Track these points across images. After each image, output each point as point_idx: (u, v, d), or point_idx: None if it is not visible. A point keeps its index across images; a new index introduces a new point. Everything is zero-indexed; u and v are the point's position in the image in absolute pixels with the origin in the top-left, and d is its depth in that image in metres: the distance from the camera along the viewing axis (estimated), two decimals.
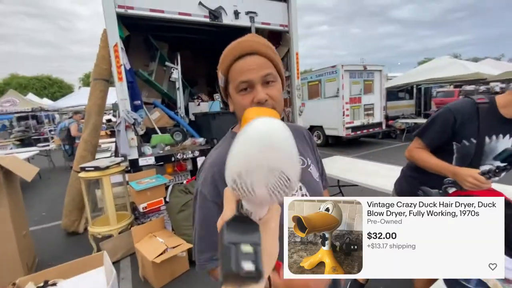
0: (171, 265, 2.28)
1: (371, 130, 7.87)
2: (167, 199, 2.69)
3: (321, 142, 8.28)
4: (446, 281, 0.94)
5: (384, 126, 8.18)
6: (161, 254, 2.22)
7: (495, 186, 1.19)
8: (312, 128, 8.46)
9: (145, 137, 3.11)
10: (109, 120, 13.23)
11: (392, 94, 9.15)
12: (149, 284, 2.32)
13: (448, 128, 1.25)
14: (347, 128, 7.33)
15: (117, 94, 2.55)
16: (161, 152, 2.87)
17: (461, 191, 1.19)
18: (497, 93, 8.75)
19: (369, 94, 7.77)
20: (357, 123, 7.56)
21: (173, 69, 3.32)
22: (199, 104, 3.68)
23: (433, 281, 1.02)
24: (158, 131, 3.18)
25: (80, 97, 11.16)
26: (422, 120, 8.56)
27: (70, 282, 1.64)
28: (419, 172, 1.38)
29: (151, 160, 2.69)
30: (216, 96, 3.91)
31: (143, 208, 2.55)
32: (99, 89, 3.09)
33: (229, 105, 0.76)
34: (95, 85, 3.11)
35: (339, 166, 3.07)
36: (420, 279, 1.50)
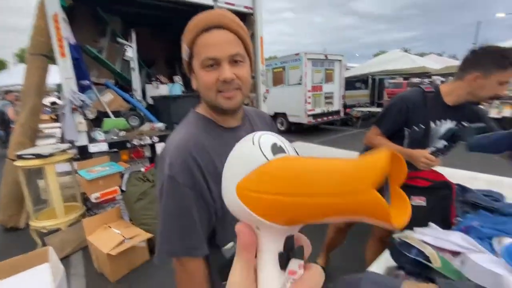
0: (129, 256, 2.17)
1: (330, 117, 8.28)
2: (123, 188, 2.52)
3: (285, 128, 8.47)
4: (392, 253, 1.04)
5: (342, 114, 8.67)
6: (118, 245, 2.10)
7: (436, 168, 1.34)
8: (276, 115, 8.59)
9: (97, 122, 2.83)
10: (53, 103, 11.78)
11: (350, 84, 9.66)
12: (105, 278, 2.18)
13: (400, 115, 1.36)
14: (309, 116, 7.59)
15: (60, 72, 2.24)
16: (115, 138, 2.64)
17: (411, 172, 1.31)
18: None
19: (329, 83, 8.09)
20: (318, 110, 7.87)
21: (127, 47, 3.03)
22: (157, 87, 3.44)
23: (381, 252, 1.12)
24: (111, 115, 2.92)
25: (15, 75, 9.69)
26: (375, 109, 9.26)
27: (9, 281, 1.46)
28: None
29: (103, 147, 2.47)
30: (177, 78, 3.69)
31: (95, 198, 2.35)
32: (35, 66, 2.68)
33: (192, 81, 0.71)
34: (32, 61, 2.69)
35: (301, 152, 3.17)
36: (370, 251, 1.65)
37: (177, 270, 0.65)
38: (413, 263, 0.95)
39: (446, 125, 1.35)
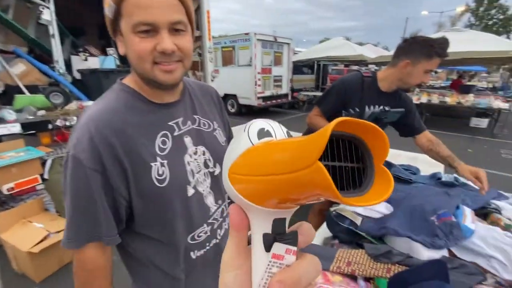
0: (56, 252, 1.92)
1: (279, 100, 8.50)
2: (46, 176, 2.18)
3: (235, 110, 8.40)
4: (328, 224, 1.12)
5: (290, 98, 8.98)
6: (41, 241, 1.83)
7: None
8: (226, 97, 8.42)
9: (6, 98, 2.33)
10: None
11: (297, 68, 9.99)
12: (27, 279, 1.90)
13: (340, 97, 1.43)
14: (259, 98, 7.65)
15: None
16: (31, 117, 2.22)
17: None
18: None
19: (278, 66, 8.22)
20: (267, 93, 7.98)
21: (43, 8, 2.50)
22: (86, 59, 2.97)
23: (320, 225, 1.20)
24: (25, 90, 2.43)
25: None
26: (320, 94, 9.83)
27: None
28: None
29: (15, 128, 2.05)
30: (111, 51, 3.24)
31: (8, 189, 1.97)
32: None
33: (118, 45, 0.59)
34: None
35: None
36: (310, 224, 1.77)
37: (74, 260, 0.59)
38: (346, 232, 1.05)
39: (376, 110, 1.47)
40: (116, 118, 0.57)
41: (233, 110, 8.48)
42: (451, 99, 6.74)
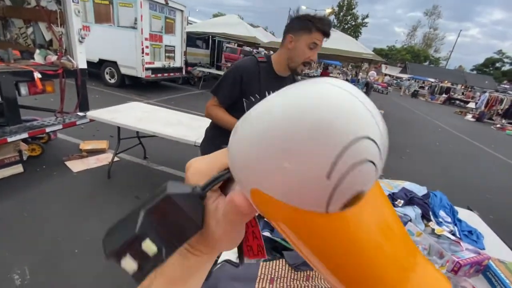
0: None
1: (172, 74, 7.66)
2: None
3: (116, 82, 6.99)
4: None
5: (184, 72, 8.28)
6: None
7: None
8: (103, 63, 6.84)
9: None
10: None
11: (191, 40, 9.28)
12: None
13: (236, 85, 1.31)
14: (147, 69, 6.62)
15: None
16: None
17: None
18: None
19: (170, 35, 7.31)
20: (158, 64, 7.01)
21: None
22: None
23: None
24: None
25: None
26: (216, 71, 9.61)
27: None
28: (221, 130, 1.39)
29: None
30: None
31: None
32: None
33: None
34: None
35: (137, 114, 2.65)
36: None
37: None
38: (264, 240, 0.97)
39: None
40: None
41: (112, 81, 7.02)
42: None
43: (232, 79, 1.30)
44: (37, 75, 2.47)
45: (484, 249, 1.18)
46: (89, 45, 2.85)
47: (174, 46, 7.52)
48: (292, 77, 1.46)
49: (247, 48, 16.08)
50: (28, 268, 1.62)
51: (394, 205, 1.29)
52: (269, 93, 1.27)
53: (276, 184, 0.14)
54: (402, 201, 1.29)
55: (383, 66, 31.84)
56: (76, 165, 2.81)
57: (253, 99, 1.33)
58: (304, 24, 1.22)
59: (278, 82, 1.37)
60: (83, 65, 2.95)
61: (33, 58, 2.87)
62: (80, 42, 2.86)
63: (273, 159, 0.13)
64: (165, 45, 7.16)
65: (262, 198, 0.15)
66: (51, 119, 2.78)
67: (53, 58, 2.80)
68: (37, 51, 2.89)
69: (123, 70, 6.75)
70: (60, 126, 2.70)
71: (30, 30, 3.13)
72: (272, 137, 0.14)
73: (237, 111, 1.35)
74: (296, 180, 0.13)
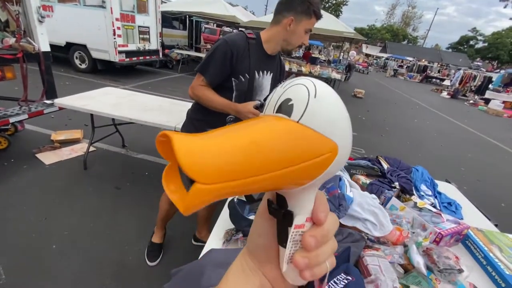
0: None
1: (148, 57, 7.25)
2: None
3: (87, 67, 6.53)
4: (231, 214, 0.99)
5: (161, 55, 7.86)
6: None
7: None
8: (71, 47, 6.34)
9: None
10: None
11: (167, 20, 8.77)
12: None
13: (226, 61, 1.20)
14: (121, 52, 6.21)
15: None
16: None
17: None
18: None
19: (143, 15, 6.84)
20: (132, 47, 6.59)
21: None
22: None
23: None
24: None
25: None
26: (195, 53, 9.21)
27: None
28: (205, 113, 1.31)
29: None
30: None
31: None
32: None
33: None
34: None
35: (112, 100, 2.48)
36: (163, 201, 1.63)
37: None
38: (250, 225, 0.95)
39: (266, 79, 1.36)
40: None
41: (83, 66, 6.55)
42: (305, 69, 8.02)
43: (223, 54, 1.18)
44: None
45: (462, 219, 1.22)
46: (54, 27, 2.58)
47: (148, 27, 7.07)
48: (279, 58, 1.38)
49: (227, 29, 15.47)
50: (3, 268, 1.52)
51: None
52: (259, 73, 1.18)
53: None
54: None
55: (364, 45, 32.03)
56: (48, 157, 2.63)
57: (242, 79, 1.25)
58: (305, 8, 1.16)
59: (268, 61, 1.29)
60: (45, 47, 2.69)
61: None
62: (40, 22, 2.59)
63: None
64: (139, 26, 6.71)
65: None
66: (15, 108, 2.56)
67: (11, 40, 2.53)
68: None
69: (94, 54, 6.29)
70: (26, 116, 2.49)
71: None
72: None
73: (226, 91, 1.26)
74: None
